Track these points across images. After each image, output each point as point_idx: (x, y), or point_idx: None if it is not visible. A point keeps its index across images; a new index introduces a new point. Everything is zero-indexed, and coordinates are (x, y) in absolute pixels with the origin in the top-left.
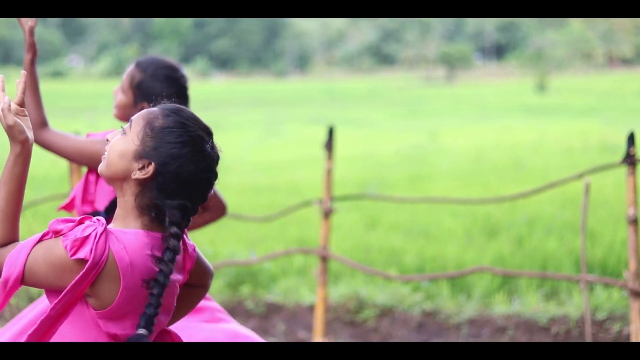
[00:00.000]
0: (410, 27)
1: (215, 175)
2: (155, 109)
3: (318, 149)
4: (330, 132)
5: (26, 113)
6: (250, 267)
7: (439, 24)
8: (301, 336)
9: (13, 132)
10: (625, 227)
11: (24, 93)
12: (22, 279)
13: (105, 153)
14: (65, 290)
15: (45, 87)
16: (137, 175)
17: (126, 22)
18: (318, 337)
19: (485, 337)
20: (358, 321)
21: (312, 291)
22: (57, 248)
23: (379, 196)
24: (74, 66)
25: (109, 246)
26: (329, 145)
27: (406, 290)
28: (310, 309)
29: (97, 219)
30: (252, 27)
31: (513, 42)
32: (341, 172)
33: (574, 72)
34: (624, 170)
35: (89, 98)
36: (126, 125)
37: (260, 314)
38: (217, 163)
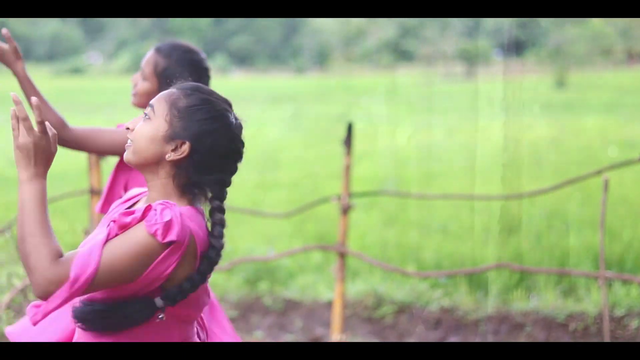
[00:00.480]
0: (429, 23)
1: (243, 144)
2: (173, 90)
3: (337, 145)
4: (349, 129)
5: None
6: (268, 264)
7: (457, 21)
8: (319, 333)
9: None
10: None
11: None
12: (94, 278)
13: (129, 141)
14: (152, 266)
15: (64, 83)
16: (172, 156)
17: (145, 19)
18: (336, 334)
19: (503, 333)
20: (376, 318)
21: (330, 288)
22: (142, 237)
23: (397, 193)
24: (92, 63)
25: (189, 225)
26: (348, 141)
27: (424, 286)
28: (328, 305)
29: (166, 202)
30: (270, 23)
31: (532, 38)
32: (360, 169)
33: (593, 69)
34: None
35: (108, 94)
36: (147, 111)
37: (278, 311)
38: (242, 132)
